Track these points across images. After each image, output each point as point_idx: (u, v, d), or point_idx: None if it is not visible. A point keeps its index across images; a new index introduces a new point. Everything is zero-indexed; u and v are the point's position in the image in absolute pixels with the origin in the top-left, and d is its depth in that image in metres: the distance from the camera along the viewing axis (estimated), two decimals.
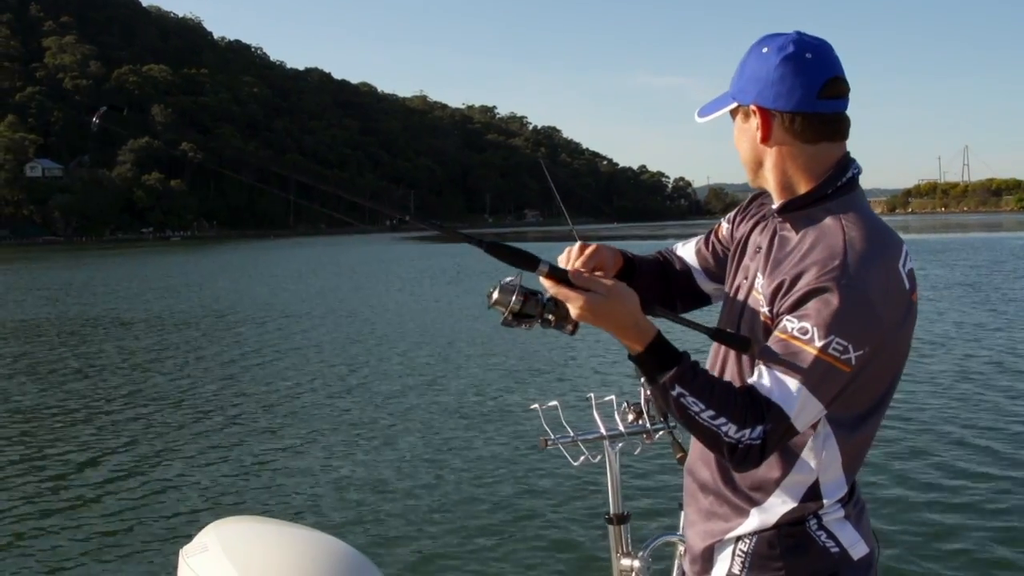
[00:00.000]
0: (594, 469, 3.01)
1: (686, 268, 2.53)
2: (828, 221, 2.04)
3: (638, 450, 3.03)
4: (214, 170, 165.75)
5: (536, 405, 2.99)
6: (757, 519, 2.13)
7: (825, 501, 2.11)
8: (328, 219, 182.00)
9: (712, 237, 2.49)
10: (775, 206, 2.17)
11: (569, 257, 2.24)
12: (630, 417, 2.92)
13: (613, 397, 2.94)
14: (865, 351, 1.94)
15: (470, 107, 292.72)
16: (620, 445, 2.98)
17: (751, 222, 2.31)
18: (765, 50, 2.08)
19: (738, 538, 2.15)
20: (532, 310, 2.12)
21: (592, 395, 2.98)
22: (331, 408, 13.26)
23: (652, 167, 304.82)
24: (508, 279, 2.14)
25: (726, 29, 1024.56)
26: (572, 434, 2.93)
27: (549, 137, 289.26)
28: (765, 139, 2.10)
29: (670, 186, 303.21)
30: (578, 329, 2.18)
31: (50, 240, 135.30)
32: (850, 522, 2.14)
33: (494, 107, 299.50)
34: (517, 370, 15.97)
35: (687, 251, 2.55)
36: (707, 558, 2.22)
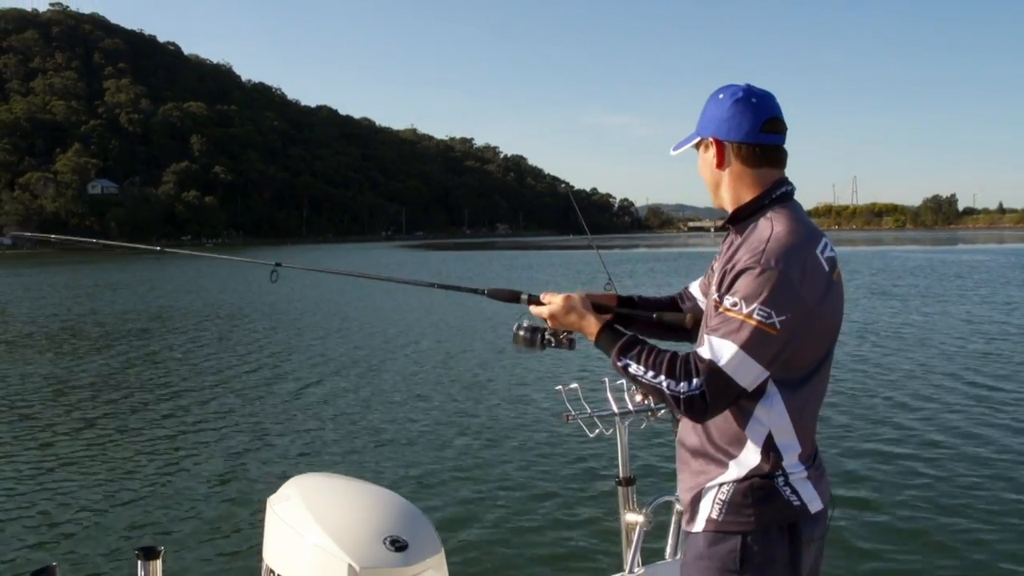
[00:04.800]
0: (607, 440, 3.00)
1: (693, 299, 2.58)
2: (762, 222, 2.14)
3: (643, 425, 3.02)
4: (241, 188, 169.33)
5: (560, 386, 2.99)
6: (735, 470, 2.15)
7: (784, 456, 2.13)
8: (335, 229, 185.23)
9: (709, 269, 2.46)
10: (727, 218, 2.25)
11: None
12: (638, 398, 2.90)
13: (623, 381, 2.84)
14: (787, 317, 2.00)
15: (452, 138, 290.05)
16: (629, 421, 3.00)
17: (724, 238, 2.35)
18: (721, 96, 2.21)
19: (719, 486, 2.16)
20: (538, 338, 2.45)
21: (607, 379, 2.95)
22: (394, 385, 13.11)
23: (602, 189, 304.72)
24: (523, 322, 2.47)
25: (666, 77, 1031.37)
26: (589, 411, 2.95)
27: (517, 164, 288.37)
28: (720, 164, 2.22)
29: (616, 205, 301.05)
30: (574, 345, 2.42)
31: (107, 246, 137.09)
32: (811, 482, 2.17)
33: (472, 138, 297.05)
34: (543, 359, 15.25)
35: (695, 285, 2.59)
36: (694, 506, 2.22)
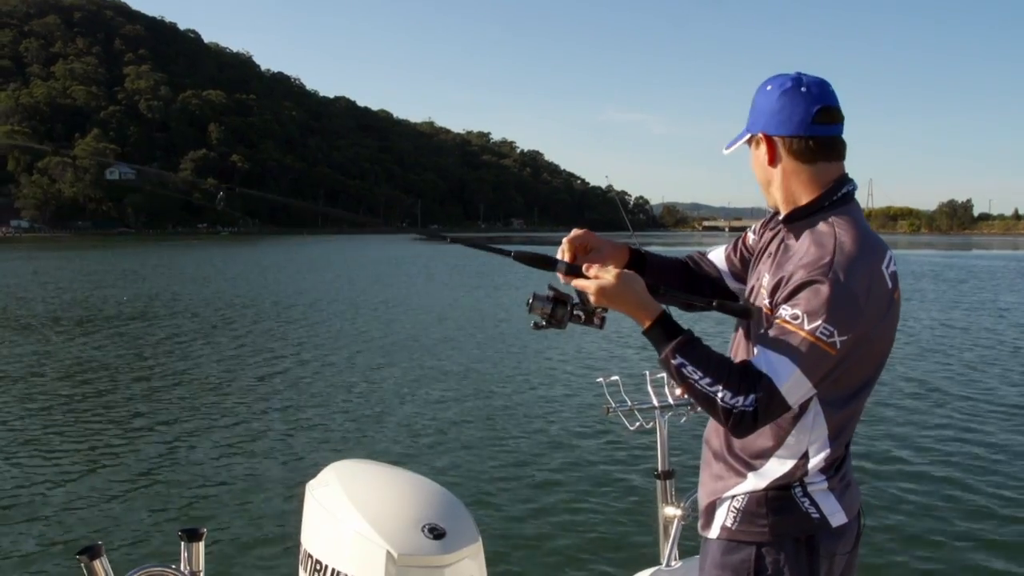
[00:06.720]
0: (647, 433, 2.97)
1: (715, 270, 2.45)
2: (823, 227, 1.98)
3: (683, 419, 2.98)
4: (258, 177, 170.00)
5: (601, 379, 2.95)
6: (752, 481, 2.06)
7: (810, 467, 2.03)
8: (351, 220, 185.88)
9: (739, 244, 2.40)
10: (781, 217, 2.12)
11: (568, 242, 2.26)
12: (678, 391, 2.76)
13: (664, 374, 2.70)
14: (848, 337, 1.88)
15: (469, 132, 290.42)
16: (669, 414, 2.98)
17: (771, 233, 2.21)
18: (769, 88, 2.07)
19: (733, 496, 2.08)
20: (562, 312, 2.09)
21: (647, 372, 2.92)
22: (433, 373, 13.23)
23: (617, 186, 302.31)
24: (546, 291, 2.11)
25: (682, 76, 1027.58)
26: (630, 403, 2.93)
27: (534, 159, 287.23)
28: (771, 161, 2.07)
29: (631, 203, 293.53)
30: (605, 323, 2.12)
31: (123, 231, 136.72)
32: (834, 494, 2.06)
33: (489, 133, 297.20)
34: (584, 351, 15.41)
35: (717, 255, 2.47)
36: (709, 513, 2.15)
